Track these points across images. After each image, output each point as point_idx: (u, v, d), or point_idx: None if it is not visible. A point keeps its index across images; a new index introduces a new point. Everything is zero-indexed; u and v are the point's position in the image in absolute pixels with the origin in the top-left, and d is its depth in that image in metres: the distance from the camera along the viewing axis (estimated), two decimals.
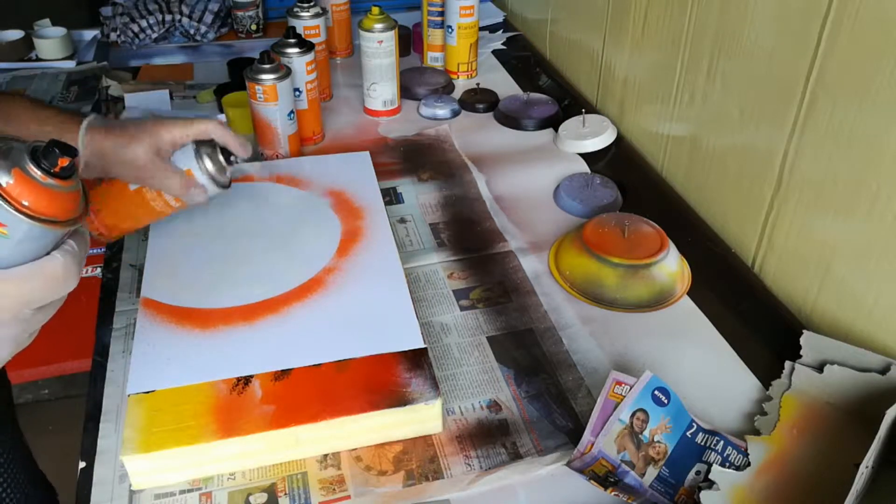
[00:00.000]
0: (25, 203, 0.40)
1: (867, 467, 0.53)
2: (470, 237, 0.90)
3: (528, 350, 0.74)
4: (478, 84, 1.26)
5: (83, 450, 0.64)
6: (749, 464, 0.60)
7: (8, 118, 0.67)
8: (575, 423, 0.66)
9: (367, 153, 1.00)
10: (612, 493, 0.58)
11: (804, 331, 0.70)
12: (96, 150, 0.68)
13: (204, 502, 0.60)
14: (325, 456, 0.63)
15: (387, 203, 0.92)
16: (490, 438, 0.65)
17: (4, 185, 0.39)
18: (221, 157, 0.72)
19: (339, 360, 0.67)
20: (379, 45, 1.10)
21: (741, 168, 0.86)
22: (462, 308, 0.79)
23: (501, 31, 1.53)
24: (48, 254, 0.43)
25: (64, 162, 0.41)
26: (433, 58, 1.34)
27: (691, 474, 0.61)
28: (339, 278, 0.77)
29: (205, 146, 0.72)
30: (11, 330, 0.42)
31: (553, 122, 1.14)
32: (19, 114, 0.67)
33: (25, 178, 0.40)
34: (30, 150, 0.41)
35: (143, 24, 1.41)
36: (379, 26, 1.10)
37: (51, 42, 1.40)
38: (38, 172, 0.41)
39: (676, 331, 0.76)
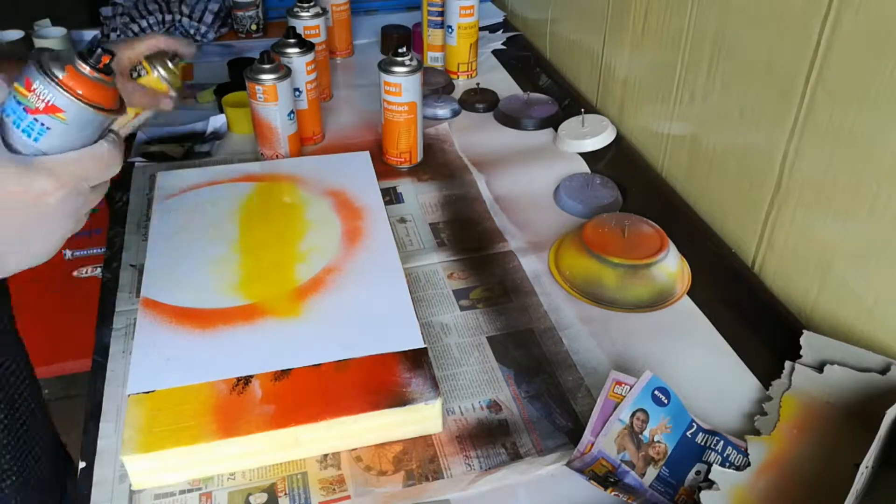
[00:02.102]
0: (80, 92, 0.49)
1: (867, 467, 0.53)
2: (470, 237, 0.90)
3: (528, 350, 0.74)
4: (478, 84, 1.26)
5: (83, 450, 0.64)
6: (749, 464, 0.60)
7: None
8: (575, 423, 0.66)
9: (367, 153, 1.00)
10: (612, 493, 0.58)
11: (804, 331, 0.70)
12: None
13: (204, 502, 0.60)
14: (325, 456, 0.63)
15: (387, 203, 0.92)
16: (490, 438, 0.65)
17: (62, 77, 0.49)
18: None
19: (339, 360, 0.67)
20: None
21: (741, 168, 0.86)
22: (462, 308, 0.79)
23: (501, 31, 1.53)
24: (96, 142, 0.51)
25: (106, 59, 0.50)
26: (433, 58, 1.34)
27: (691, 474, 0.61)
28: (339, 278, 0.77)
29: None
30: (72, 204, 0.49)
31: (553, 122, 1.14)
32: None
33: (77, 72, 0.49)
34: (77, 52, 0.50)
35: (143, 24, 1.41)
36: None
37: (51, 42, 1.39)
38: (87, 68, 0.49)
39: (676, 331, 0.76)
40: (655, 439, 0.62)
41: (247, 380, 0.65)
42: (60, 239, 0.50)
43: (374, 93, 1.04)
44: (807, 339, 0.69)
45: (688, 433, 0.63)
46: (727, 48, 0.85)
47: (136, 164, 1.03)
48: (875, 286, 0.69)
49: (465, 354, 0.74)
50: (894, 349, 0.67)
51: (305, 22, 1.14)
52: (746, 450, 0.61)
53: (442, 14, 1.28)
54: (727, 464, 0.61)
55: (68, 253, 1.55)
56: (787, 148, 0.77)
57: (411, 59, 0.97)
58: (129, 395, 0.63)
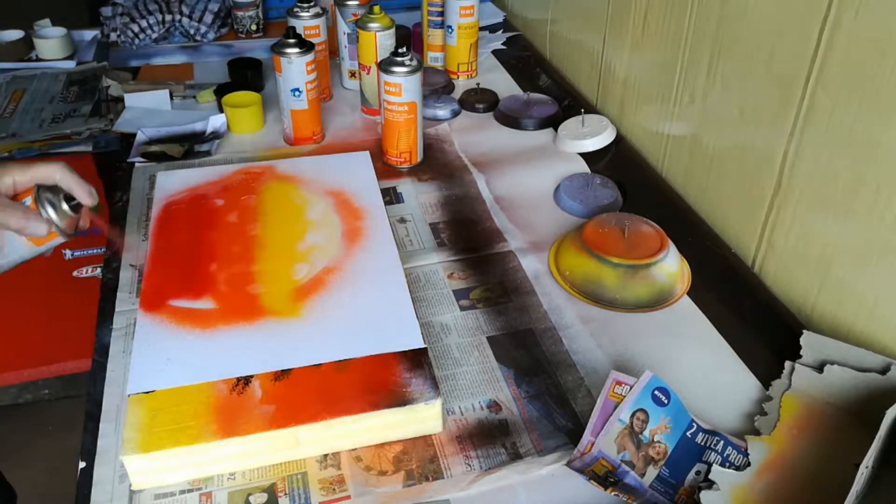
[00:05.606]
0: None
1: (867, 467, 0.53)
2: (470, 237, 0.90)
3: (528, 350, 0.74)
4: (478, 84, 1.26)
5: (83, 450, 0.64)
6: (749, 464, 0.60)
7: None
8: (575, 423, 0.66)
9: (367, 153, 1.00)
10: (612, 493, 0.58)
11: (804, 331, 0.70)
12: None
13: (204, 502, 0.60)
14: (325, 456, 0.63)
15: (387, 203, 0.92)
16: (490, 438, 0.65)
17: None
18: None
19: (339, 361, 0.67)
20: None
21: (741, 168, 0.86)
22: (462, 308, 0.79)
23: (501, 31, 1.53)
24: None
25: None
26: (433, 58, 1.34)
27: (691, 474, 0.61)
28: (339, 278, 0.77)
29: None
30: None
31: (553, 122, 1.14)
32: None
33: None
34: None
35: (143, 24, 1.41)
36: (376, 25, 1.10)
37: (51, 42, 1.39)
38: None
39: (676, 331, 0.76)
40: (655, 439, 0.62)
41: (247, 380, 0.65)
42: None
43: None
44: (807, 339, 0.69)
45: (688, 433, 0.63)
46: (727, 48, 0.85)
47: (136, 164, 1.03)
48: (875, 286, 0.69)
49: (465, 354, 0.74)
50: (894, 349, 0.67)
51: (305, 22, 1.14)
52: (746, 450, 0.61)
53: (442, 14, 1.28)
54: (727, 464, 0.61)
55: (68, 253, 1.54)
56: (787, 148, 0.77)
57: (411, 59, 0.97)
58: (129, 395, 0.63)
